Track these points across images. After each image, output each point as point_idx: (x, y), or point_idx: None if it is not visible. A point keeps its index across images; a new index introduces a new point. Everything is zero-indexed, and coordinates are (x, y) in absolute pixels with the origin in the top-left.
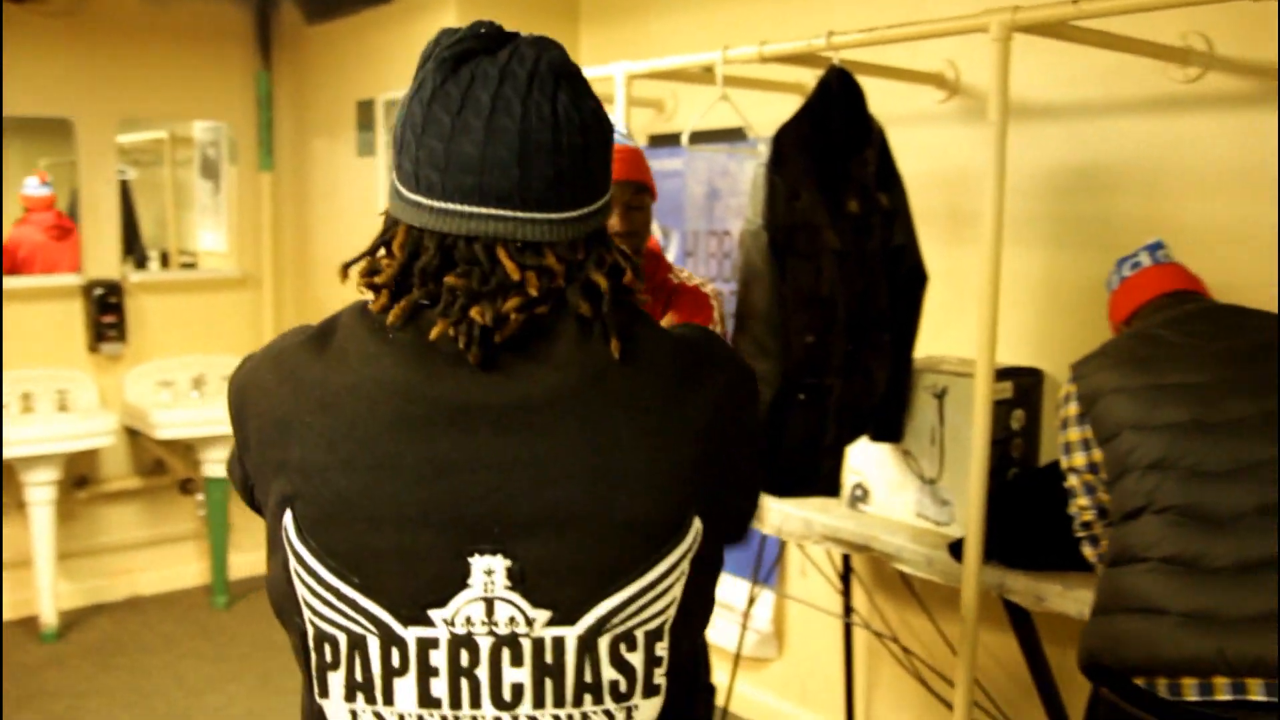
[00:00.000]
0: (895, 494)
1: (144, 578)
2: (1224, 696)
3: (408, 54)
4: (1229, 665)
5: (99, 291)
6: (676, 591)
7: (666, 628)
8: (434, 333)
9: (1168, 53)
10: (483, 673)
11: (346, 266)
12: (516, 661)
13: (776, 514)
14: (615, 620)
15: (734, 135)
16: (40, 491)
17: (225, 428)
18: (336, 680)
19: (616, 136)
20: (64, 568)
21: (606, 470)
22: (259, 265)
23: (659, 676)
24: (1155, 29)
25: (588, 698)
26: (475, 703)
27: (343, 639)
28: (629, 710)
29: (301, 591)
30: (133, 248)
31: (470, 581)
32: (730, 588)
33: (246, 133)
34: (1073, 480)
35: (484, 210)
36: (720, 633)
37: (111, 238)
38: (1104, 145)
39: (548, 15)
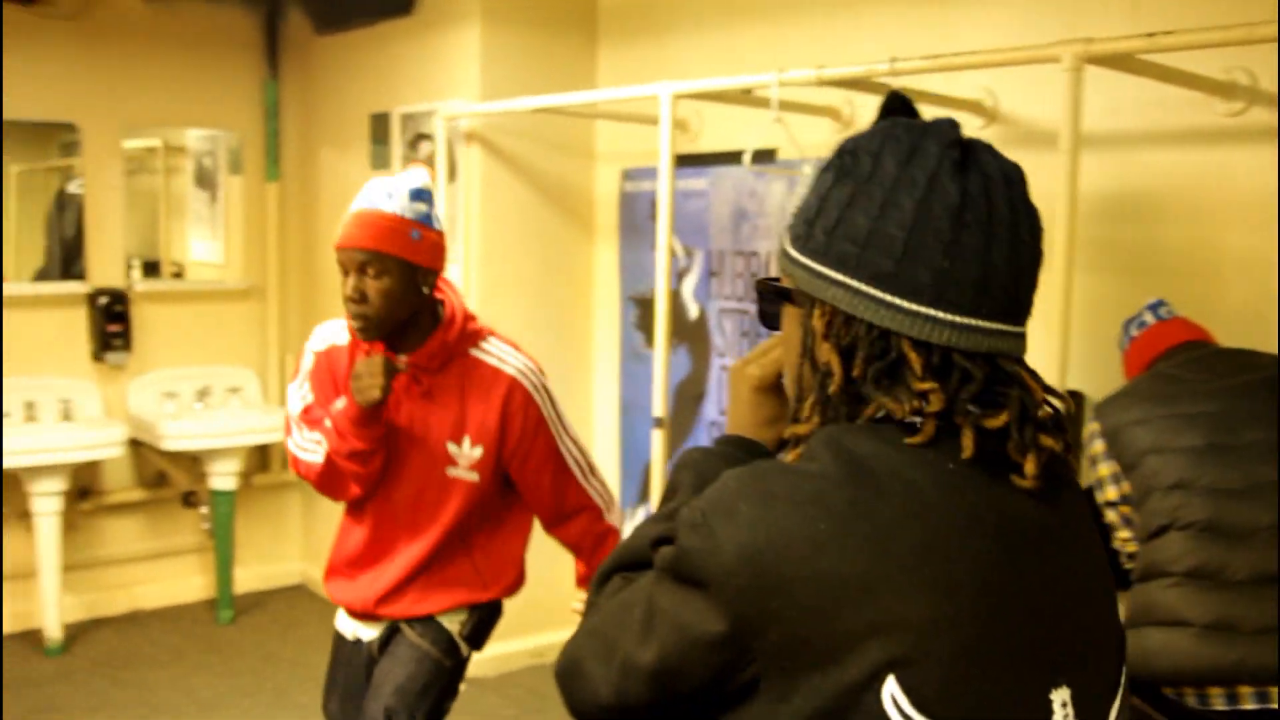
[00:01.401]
0: None
1: (145, 591)
2: (1250, 705)
3: (426, 68)
4: (1251, 675)
5: (104, 300)
6: (1128, 693)
7: None
8: (1029, 469)
9: (1213, 86)
10: None
11: (863, 406)
12: None
13: None
14: None
15: (760, 157)
16: (46, 502)
17: (232, 440)
18: None
19: (380, 201)
20: (65, 580)
21: (1103, 583)
22: (264, 276)
23: None
24: (1200, 64)
25: None
26: None
27: None
28: None
29: None
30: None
31: (1054, 714)
32: None
33: (253, 142)
34: (1110, 515)
35: (1007, 328)
36: None
37: (116, 245)
38: (1144, 174)
39: (568, 35)
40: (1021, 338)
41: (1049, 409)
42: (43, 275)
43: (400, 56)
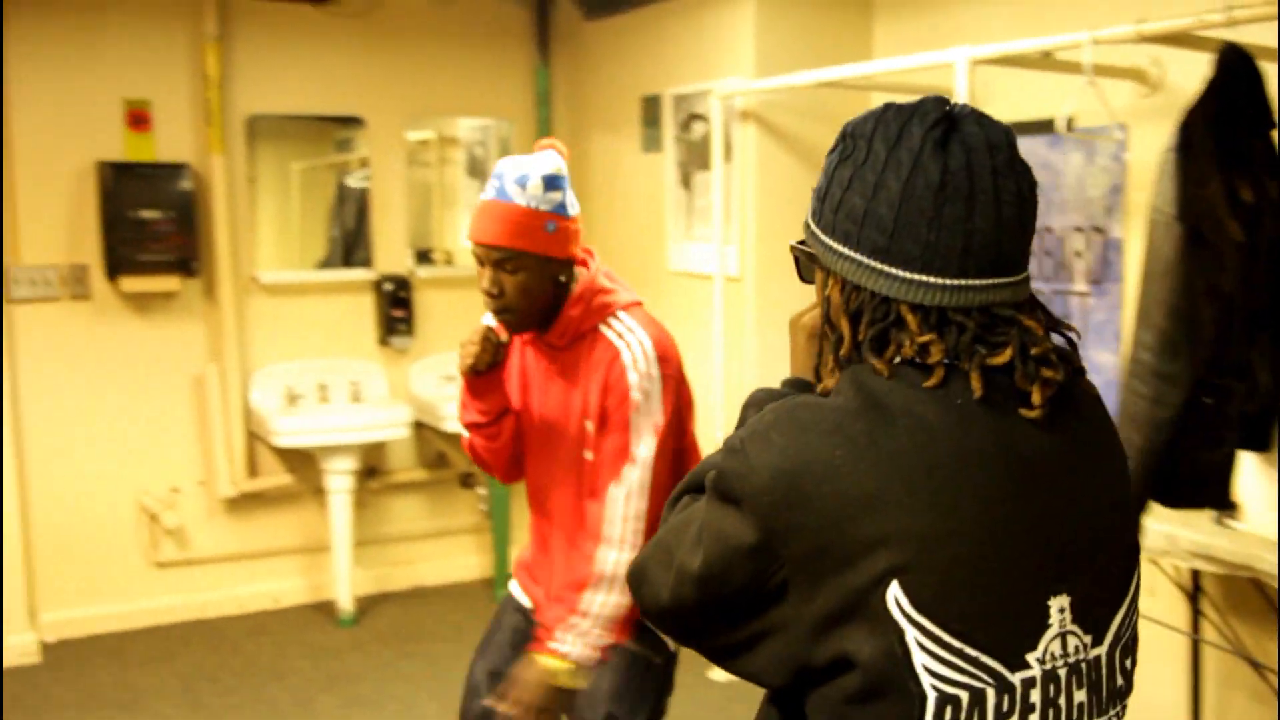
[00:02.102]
0: (1275, 510)
1: (427, 568)
2: None
3: (697, 48)
4: None
5: (389, 286)
6: (1137, 600)
7: (1137, 632)
8: (1035, 399)
9: None
10: (1062, 700)
11: (855, 354)
12: (1079, 685)
13: None
14: (1121, 632)
15: (1046, 128)
16: (338, 480)
17: None
18: None
19: (513, 192)
20: (355, 555)
21: (1115, 504)
22: None
23: (1132, 676)
24: None
25: (1112, 704)
26: None
27: (965, 697)
28: (1124, 708)
29: (923, 660)
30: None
31: (1050, 621)
32: None
33: (524, 129)
34: None
35: (997, 281)
36: None
37: (399, 234)
38: None
39: (842, 6)
40: (1015, 285)
41: (1050, 344)
42: (325, 264)
43: (672, 37)
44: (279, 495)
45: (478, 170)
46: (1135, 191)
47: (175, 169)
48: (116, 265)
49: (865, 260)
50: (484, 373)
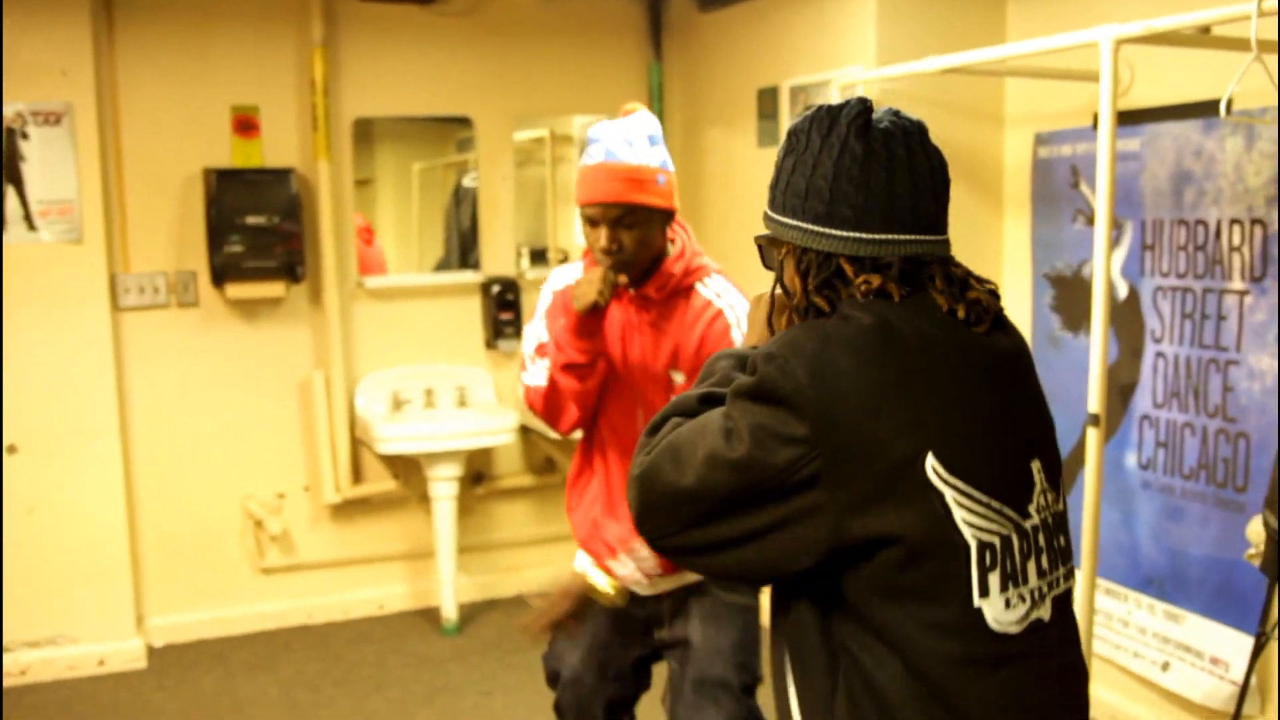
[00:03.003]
0: None
1: (533, 575)
2: None
3: (816, 37)
4: None
5: (496, 289)
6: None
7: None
8: (960, 313)
9: None
10: (1053, 543)
11: (811, 300)
12: (1058, 531)
13: None
14: (1065, 495)
15: (1201, 110)
16: (443, 487)
17: None
18: (995, 578)
19: (623, 151)
20: (460, 562)
21: (1042, 397)
22: None
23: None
24: None
25: (1067, 556)
26: (1054, 567)
27: (998, 542)
28: (1071, 566)
29: (963, 515)
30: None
31: (1035, 480)
32: (1197, 629)
33: None
34: None
35: (918, 237)
36: (1182, 679)
37: (507, 235)
38: None
39: None
40: (935, 243)
41: (968, 272)
42: (442, 266)
43: (789, 27)
44: (384, 501)
45: None
46: None
47: (281, 174)
48: (222, 272)
49: (810, 226)
50: (601, 310)
